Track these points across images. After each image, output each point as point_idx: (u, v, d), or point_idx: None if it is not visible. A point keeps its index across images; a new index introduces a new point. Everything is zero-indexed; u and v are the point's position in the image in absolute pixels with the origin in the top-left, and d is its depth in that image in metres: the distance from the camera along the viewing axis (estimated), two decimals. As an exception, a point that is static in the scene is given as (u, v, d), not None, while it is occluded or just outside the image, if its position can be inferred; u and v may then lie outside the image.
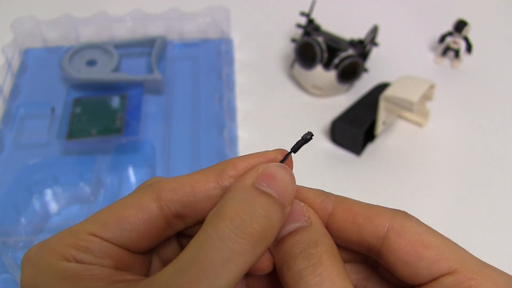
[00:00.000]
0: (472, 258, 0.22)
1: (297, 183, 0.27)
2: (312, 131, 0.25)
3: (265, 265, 0.23)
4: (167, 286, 0.19)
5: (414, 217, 0.23)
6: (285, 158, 0.24)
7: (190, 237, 0.22)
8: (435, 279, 0.21)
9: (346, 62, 0.60)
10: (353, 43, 0.63)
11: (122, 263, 0.23)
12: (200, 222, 0.22)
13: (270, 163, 0.23)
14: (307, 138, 0.25)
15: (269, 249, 0.23)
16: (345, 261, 0.24)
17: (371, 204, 0.24)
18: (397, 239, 0.22)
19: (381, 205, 0.26)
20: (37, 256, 0.21)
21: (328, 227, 0.24)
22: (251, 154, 0.24)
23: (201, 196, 0.23)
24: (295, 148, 0.25)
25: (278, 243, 0.23)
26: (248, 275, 0.25)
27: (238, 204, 0.21)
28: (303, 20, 0.66)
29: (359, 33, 0.65)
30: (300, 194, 0.24)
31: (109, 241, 0.22)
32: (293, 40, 0.66)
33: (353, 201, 0.24)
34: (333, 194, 0.25)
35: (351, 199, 0.24)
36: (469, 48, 0.66)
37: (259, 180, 0.22)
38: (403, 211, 0.23)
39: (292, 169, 0.24)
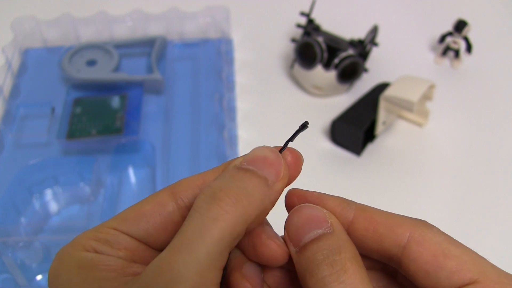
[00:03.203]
0: (494, 268, 0.22)
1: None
2: (308, 122, 0.26)
3: (278, 254, 0.24)
4: (152, 264, 0.20)
5: (435, 227, 0.23)
6: (284, 147, 0.25)
7: None
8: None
9: (346, 62, 0.60)
10: (353, 43, 0.63)
11: (138, 257, 0.23)
12: None
13: (256, 147, 0.24)
14: (304, 126, 0.26)
15: (292, 256, 0.23)
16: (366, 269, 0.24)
17: (392, 213, 0.24)
18: (418, 248, 0.22)
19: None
20: (62, 249, 0.23)
21: (349, 235, 0.24)
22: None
23: None
24: (292, 137, 0.26)
25: (300, 249, 0.23)
26: (266, 271, 0.25)
27: (216, 181, 0.22)
28: (303, 20, 0.66)
29: (359, 33, 0.65)
30: (321, 201, 0.25)
31: (127, 234, 0.23)
32: (293, 40, 0.66)
33: (374, 209, 0.24)
34: (354, 202, 0.25)
35: (372, 207, 0.25)
36: (469, 48, 0.66)
37: (242, 161, 0.23)
38: (424, 221, 0.23)
39: (300, 161, 0.25)
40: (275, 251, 0.24)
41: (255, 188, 0.22)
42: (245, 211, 0.21)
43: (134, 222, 0.23)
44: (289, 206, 0.25)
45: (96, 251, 0.22)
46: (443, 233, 0.23)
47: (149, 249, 0.24)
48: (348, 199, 0.25)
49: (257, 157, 0.23)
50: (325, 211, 0.24)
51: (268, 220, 0.26)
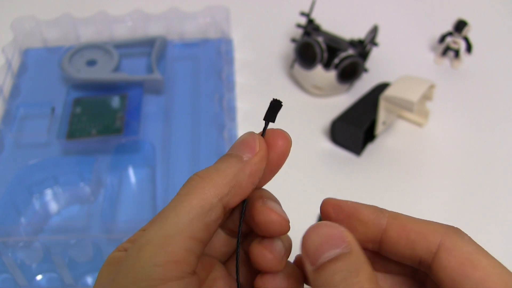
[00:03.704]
0: None
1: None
2: (276, 99, 0.26)
3: (274, 219, 0.25)
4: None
5: (467, 235, 0.23)
6: (264, 128, 0.26)
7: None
8: None
9: (346, 62, 0.60)
10: (353, 43, 0.63)
11: None
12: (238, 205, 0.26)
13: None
14: (274, 103, 0.26)
15: (308, 273, 0.24)
16: (395, 273, 0.25)
17: (424, 220, 0.24)
18: (447, 256, 0.23)
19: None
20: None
21: (382, 242, 0.25)
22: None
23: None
24: (268, 117, 0.26)
25: (317, 268, 0.23)
26: (264, 278, 0.26)
27: None
28: (303, 20, 0.66)
29: (359, 33, 0.65)
30: (356, 210, 0.25)
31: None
32: (293, 40, 0.66)
33: (407, 217, 0.25)
34: (386, 210, 0.25)
35: (403, 215, 0.25)
36: (469, 48, 0.66)
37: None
38: (457, 228, 0.24)
39: (283, 138, 0.26)
40: (270, 217, 0.25)
41: (228, 165, 0.24)
42: (215, 185, 0.24)
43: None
44: (324, 215, 0.26)
45: (125, 250, 0.24)
46: (474, 242, 0.23)
47: None
48: (380, 207, 0.25)
49: (236, 142, 0.25)
50: (343, 229, 0.23)
51: (290, 236, 0.27)
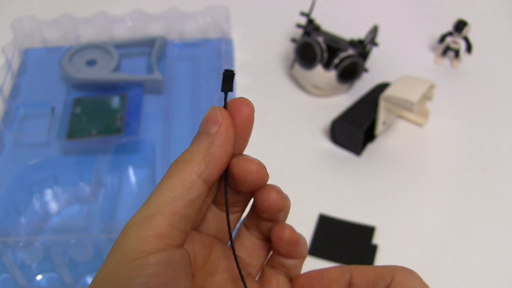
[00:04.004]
0: None
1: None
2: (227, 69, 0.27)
3: (252, 168, 0.27)
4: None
5: (416, 273, 0.27)
6: (225, 100, 0.27)
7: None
8: None
9: (346, 62, 0.60)
10: (353, 43, 0.63)
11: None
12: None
13: None
14: (228, 75, 0.27)
15: None
16: None
17: (381, 266, 0.28)
18: (398, 286, 0.26)
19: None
20: None
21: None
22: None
23: None
24: (224, 88, 0.27)
25: None
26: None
27: None
28: (303, 20, 0.66)
29: (359, 33, 0.65)
30: (321, 273, 0.29)
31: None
32: (293, 40, 0.66)
33: (365, 266, 0.28)
34: (349, 266, 0.29)
35: (363, 266, 0.29)
36: (469, 48, 0.66)
37: None
38: (409, 269, 0.27)
39: (243, 103, 0.27)
40: (246, 165, 0.27)
41: (199, 142, 0.26)
42: (191, 163, 0.25)
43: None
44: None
45: None
46: (421, 279, 0.27)
47: None
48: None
49: (202, 121, 0.27)
50: None
51: None
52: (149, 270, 0.22)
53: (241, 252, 0.30)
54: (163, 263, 0.23)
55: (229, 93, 0.28)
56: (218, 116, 0.26)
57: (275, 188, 0.28)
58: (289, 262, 0.30)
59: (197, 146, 0.26)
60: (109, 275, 0.23)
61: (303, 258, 0.31)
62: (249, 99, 0.29)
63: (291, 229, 0.29)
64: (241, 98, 0.27)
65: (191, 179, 0.25)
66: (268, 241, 0.31)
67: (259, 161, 0.27)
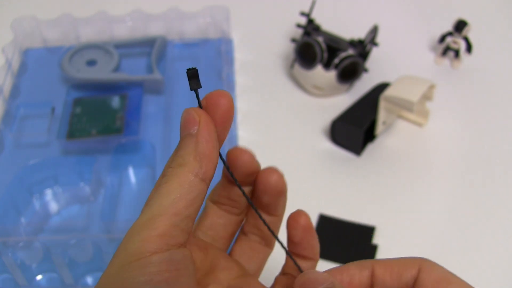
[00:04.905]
0: None
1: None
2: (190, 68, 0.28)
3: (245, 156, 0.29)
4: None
5: (438, 264, 0.28)
6: (197, 98, 0.28)
7: None
8: None
9: (346, 62, 0.60)
10: (353, 43, 0.63)
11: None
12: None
13: None
14: (192, 73, 0.28)
15: None
16: None
17: (401, 257, 0.29)
18: (427, 276, 0.27)
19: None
20: None
21: (375, 283, 0.28)
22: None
23: None
24: (191, 86, 0.28)
25: None
26: None
27: None
28: (303, 20, 0.66)
29: (359, 33, 0.65)
30: (341, 271, 0.29)
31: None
32: (293, 40, 0.66)
33: (386, 259, 0.29)
34: (367, 260, 0.29)
35: (383, 259, 0.29)
36: (469, 48, 0.66)
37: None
38: (428, 259, 0.28)
39: (218, 95, 0.27)
40: (237, 151, 0.29)
41: (185, 145, 0.26)
42: (185, 166, 0.25)
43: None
44: None
45: None
46: (443, 267, 0.27)
47: None
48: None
49: (180, 126, 0.27)
50: (325, 274, 0.27)
51: None
52: (152, 268, 0.23)
53: (239, 258, 0.32)
54: (166, 261, 0.23)
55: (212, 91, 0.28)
56: (194, 116, 0.27)
57: (274, 169, 0.30)
58: (302, 265, 0.31)
59: (185, 149, 0.26)
60: (113, 277, 0.24)
61: (316, 259, 0.31)
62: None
63: (307, 215, 0.30)
64: (218, 90, 0.28)
65: (188, 180, 0.25)
66: (266, 242, 0.32)
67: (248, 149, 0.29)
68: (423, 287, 0.27)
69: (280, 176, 0.30)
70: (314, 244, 0.31)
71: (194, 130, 0.26)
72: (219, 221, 0.31)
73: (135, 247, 0.23)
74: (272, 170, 0.30)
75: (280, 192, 0.30)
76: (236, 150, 0.29)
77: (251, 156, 0.29)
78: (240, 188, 0.29)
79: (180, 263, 0.24)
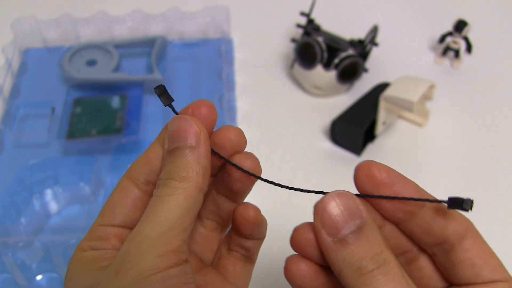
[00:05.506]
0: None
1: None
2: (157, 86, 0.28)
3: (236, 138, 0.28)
4: (128, 237, 0.25)
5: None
6: (174, 111, 0.29)
7: None
8: (492, 282, 0.25)
9: (346, 62, 0.60)
10: (353, 43, 0.63)
11: None
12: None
13: (169, 122, 0.28)
14: (160, 90, 0.29)
15: (324, 243, 0.25)
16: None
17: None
18: (473, 241, 0.26)
19: None
20: (70, 259, 0.27)
21: (419, 216, 0.26)
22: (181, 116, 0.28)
23: (154, 160, 0.28)
24: (164, 102, 0.29)
25: (340, 240, 0.24)
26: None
27: (162, 173, 0.27)
28: (303, 20, 0.66)
29: (359, 33, 0.65)
30: (402, 182, 0.26)
31: (111, 224, 0.27)
32: (293, 40, 0.66)
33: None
34: (425, 193, 0.27)
35: None
36: (469, 48, 0.66)
37: (167, 143, 0.27)
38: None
39: (204, 104, 0.28)
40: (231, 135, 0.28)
41: (186, 158, 0.26)
42: (189, 180, 0.25)
43: (111, 212, 0.27)
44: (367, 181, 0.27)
45: (92, 249, 0.26)
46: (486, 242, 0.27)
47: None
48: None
49: (172, 132, 0.27)
50: (358, 201, 0.25)
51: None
52: (173, 280, 0.24)
53: (193, 245, 0.31)
54: (183, 275, 0.24)
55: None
56: (195, 127, 0.26)
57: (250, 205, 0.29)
58: (248, 243, 0.30)
59: (186, 161, 0.26)
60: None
61: (262, 239, 0.31)
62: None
63: (256, 209, 0.29)
64: (200, 101, 0.28)
65: (193, 195, 0.25)
66: (223, 225, 0.32)
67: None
68: (464, 251, 0.25)
69: (257, 211, 0.29)
70: (263, 230, 0.30)
71: (193, 142, 0.26)
72: (202, 237, 0.31)
73: (152, 262, 0.23)
74: (248, 206, 0.29)
75: (257, 224, 0.30)
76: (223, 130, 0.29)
77: (239, 133, 0.28)
78: (227, 160, 0.28)
79: (190, 276, 0.25)
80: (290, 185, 0.28)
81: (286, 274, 0.27)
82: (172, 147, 0.26)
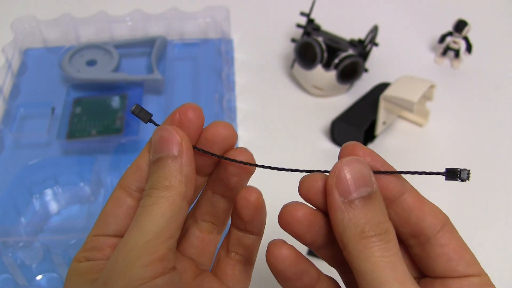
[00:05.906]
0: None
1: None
2: (137, 106, 0.29)
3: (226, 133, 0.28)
4: (117, 247, 0.25)
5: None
6: (156, 125, 0.28)
7: None
8: (467, 276, 0.26)
9: (346, 62, 0.60)
10: (353, 43, 0.63)
11: None
12: None
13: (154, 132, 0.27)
14: (137, 110, 0.29)
15: (333, 202, 0.25)
16: None
17: (433, 204, 0.28)
18: (449, 236, 0.26)
19: None
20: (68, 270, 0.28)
21: (395, 203, 0.27)
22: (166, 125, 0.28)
23: (145, 167, 0.28)
24: (146, 120, 0.29)
25: (350, 202, 0.25)
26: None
27: (147, 183, 0.27)
28: (303, 20, 0.66)
29: (359, 33, 0.65)
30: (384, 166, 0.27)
31: (105, 235, 0.27)
32: (293, 40, 0.66)
33: (419, 194, 0.28)
34: (407, 183, 0.28)
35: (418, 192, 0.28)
36: (469, 48, 0.66)
37: (151, 154, 0.27)
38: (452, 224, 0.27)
39: (189, 108, 0.27)
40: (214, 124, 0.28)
41: (168, 167, 0.26)
42: (172, 189, 0.25)
43: (105, 222, 0.28)
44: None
45: (87, 259, 0.27)
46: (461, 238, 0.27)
47: None
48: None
49: (155, 143, 0.27)
50: (371, 172, 0.25)
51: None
52: None
53: (190, 249, 0.31)
54: (169, 284, 0.24)
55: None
56: (177, 137, 0.26)
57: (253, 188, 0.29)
58: (247, 240, 0.30)
59: (169, 172, 0.26)
60: None
61: (260, 235, 0.30)
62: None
63: (258, 191, 0.29)
64: (186, 104, 0.28)
65: (177, 203, 0.25)
66: (219, 226, 0.31)
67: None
68: (439, 245, 0.26)
69: (259, 194, 0.29)
70: (263, 221, 0.30)
71: (175, 151, 0.26)
72: (198, 240, 0.31)
73: (138, 272, 0.24)
74: (251, 188, 0.29)
75: (259, 208, 0.29)
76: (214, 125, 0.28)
77: (229, 127, 0.28)
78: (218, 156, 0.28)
79: (178, 284, 0.25)
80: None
81: (267, 258, 0.27)
82: (155, 157, 0.27)
